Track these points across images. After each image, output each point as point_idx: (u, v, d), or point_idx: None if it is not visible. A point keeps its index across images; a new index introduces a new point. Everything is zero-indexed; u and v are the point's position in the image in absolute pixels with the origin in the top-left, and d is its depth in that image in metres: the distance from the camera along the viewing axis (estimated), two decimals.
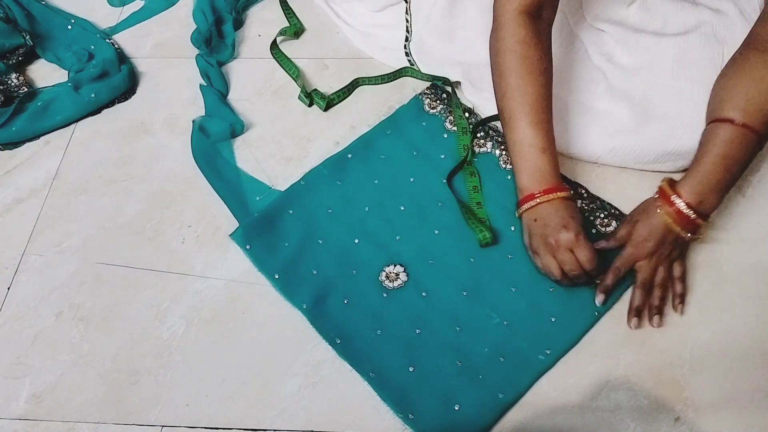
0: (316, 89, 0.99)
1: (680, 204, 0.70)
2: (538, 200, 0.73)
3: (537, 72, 0.74)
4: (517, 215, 0.77)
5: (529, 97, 0.74)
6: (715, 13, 0.85)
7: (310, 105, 0.98)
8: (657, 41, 0.87)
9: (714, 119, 0.71)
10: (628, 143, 0.83)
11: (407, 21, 1.00)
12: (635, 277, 0.74)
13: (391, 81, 1.00)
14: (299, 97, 0.99)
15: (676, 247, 0.74)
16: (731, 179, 0.70)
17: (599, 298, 0.74)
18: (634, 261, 0.73)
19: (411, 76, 1.00)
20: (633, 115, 0.84)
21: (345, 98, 0.99)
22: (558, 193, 0.73)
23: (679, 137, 0.81)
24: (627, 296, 0.76)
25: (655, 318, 0.73)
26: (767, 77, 0.68)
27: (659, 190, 0.73)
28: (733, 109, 0.69)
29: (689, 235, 0.72)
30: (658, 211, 0.71)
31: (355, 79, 1.00)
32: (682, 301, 0.74)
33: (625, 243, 0.74)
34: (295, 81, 1.01)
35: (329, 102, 0.97)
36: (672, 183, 0.72)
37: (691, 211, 0.70)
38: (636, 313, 0.73)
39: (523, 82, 0.74)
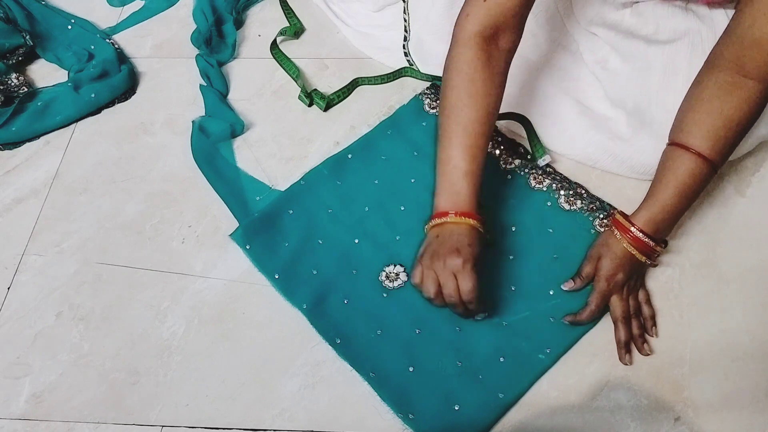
0: (316, 89, 0.99)
1: (637, 233, 0.72)
2: (447, 219, 0.71)
3: (478, 95, 0.73)
4: (425, 229, 0.75)
5: (464, 118, 0.73)
6: (703, 22, 0.84)
7: (310, 105, 0.98)
8: (646, 48, 0.86)
9: (676, 142, 0.72)
10: (626, 151, 0.84)
11: (405, 21, 1.00)
12: (610, 312, 0.74)
13: (390, 81, 1.00)
14: (299, 97, 0.99)
15: (639, 275, 0.76)
16: (684, 208, 0.73)
17: (568, 320, 0.75)
18: (608, 297, 0.74)
19: (411, 76, 1.00)
20: (629, 123, 0.84)
21: (345, 98, 0.99)
22: (469, 220, 0.71)
23: None
24: None
25: (645, 346, 0.73)
26: (725, 109, 0.69)
27: (614, 222, 0.74)
28: (691, 135, 0.70)
29: (649, 261, 0.74)
30: (619, 240, 0.73)
31: (354, 79, 1.00)
32: (654, 323, 0.75)
33: (593, 280, 0.75)
34: (295, 81, 1.01)
35: (329, 102, 0.97)
36: (625, 214, 0.74)
37: (649, 239, 0.72)
38: (627, 348, 0.73)
39: (461, 103, 0.73)
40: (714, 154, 0.70)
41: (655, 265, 0.78)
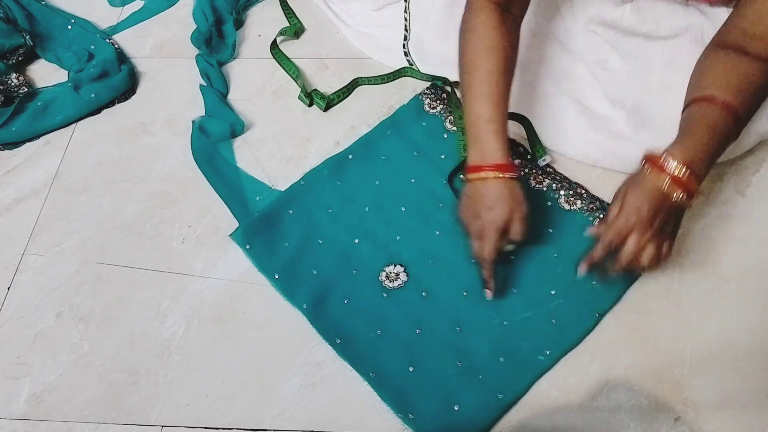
0: (315, 89, 0.99)
1: (673, 165, 0.65)
2: (481, 175, 0.72)
3: (495, 48, 0.75)
4: (463, 180, 0.76)
5: (483, 71, 0.75)
6: (705, 17, 0.84)
7: (310, 105, 0.98)
8: (646, 45, 0.87)
9: (695, 99, 0.69)
10: (625, 149, 0.84)
11: (405, 20, 1.00)
12: (621, 257, 0.67)
13: (390, 81, 1.00)
14: (299, 97, 0.99)
15: (671, 217, 0.67)
16: (716, 150, 0.67)
17: (581, 268, 0.69)
18: (627, 231, 0.65)
19: (411, 76, 1.00)
20: (629, 122, 0.84)
21: (345, 98, 0.99)
22: (498, 173, 0.72)
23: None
24: (627, 296, 0.77)
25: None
26: (741, 69, 0.69)
27: (647, 158, 0.67)
28: (713, 88, 0.68)
29: (684, 197, 0.65)
30: (650, 175, 0.66)
31: (354, 79, 1.00)
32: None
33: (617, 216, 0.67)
34: (295, 81, 1.01)
35: (329, 102, 0.97)
36: (657, 152, 0.67)
37: (686, 171, 0.64)
38: (591, 265, 0.68)
39: (478, 58, 0.75)
40: (738, 104, 0.66)
41: (689, 206, 0.68)
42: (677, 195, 0.65)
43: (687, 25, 0.85)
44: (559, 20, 0.92)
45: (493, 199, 0.72)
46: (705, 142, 0.66)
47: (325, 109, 0.97)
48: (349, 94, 0.99)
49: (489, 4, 0.76)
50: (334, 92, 0.98)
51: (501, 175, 0.72)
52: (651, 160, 0.67)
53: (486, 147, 0.73)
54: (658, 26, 0.87)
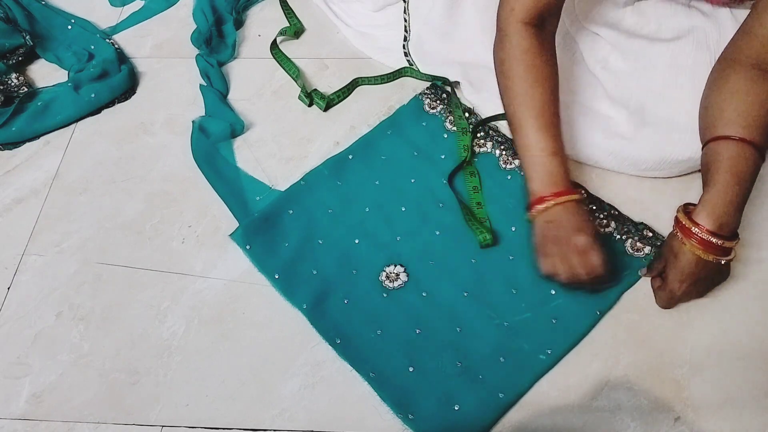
0: (315, 89, 0.99)
1: (702, 234, 0.67)
2: (552, 202, 0.73)
3: (542, 79, 0.75)
4: (528, 219, 0.76)
5: (536, 102, 0.75)
6: (708, 18, 0.85)
7: (309, 105, 0.98)
8: (649, 46, 0.87)
9: (710, 139, 0.70)
10: (626, 148, 0.84)
11: (405, 21, 1.00)
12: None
13: (390, 81, 1.00)
14: (299, 97, 0.99)
15: (715, 273, 0.72)
16: (744, 194, 0.68)
17: (642, 272, 0.77)
18: (675, 302, 0.74)
19: (411, 76, 1.00)
20: (630, 121, 0.84)
21: (345, 98, 0.99)
22: (571, 196, 0.73)
23: (675, 143, 0.81)
24: (626, 297, 0.77)
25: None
26: (758, 97, 0.68)
27: (677, 224, 0.70)
28: (728, 126, 0.68)
29: (722, 260, 0.69)
30: (684, 245, 0.69)
31: (354, 79, 1.00)
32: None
33: (663, 278, 0.73)
34: (295, 81, 1.01)
35: (329, 102, 0.97)
36: (688, 213, 0.69)
37: (715, 237, 0.67)
38: (654, 277, 0.75)
39: (530, 89, 0.75)
40: (759, 138, 0.67)
41: (731, 260, 0.70)
42: (714, 259, 0.68)
43: (689, 27, 0.85)
44: (560, 22, 0.92)
45: (575, 222, 0.73)
46: (731, 193, 0.67)
47: (325, 109, 0.97)
48: (349, 94, 0.99)
49: (526, 29, 0.75)
50: (334, 92, 0.98)
51: (572, 197, 0.73)
52: (681, 228, 0.69)
53: (555, 179, 0.74)
54: (660, 27, 0.87)
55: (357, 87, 1.00)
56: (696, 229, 0.67)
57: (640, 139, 0.83)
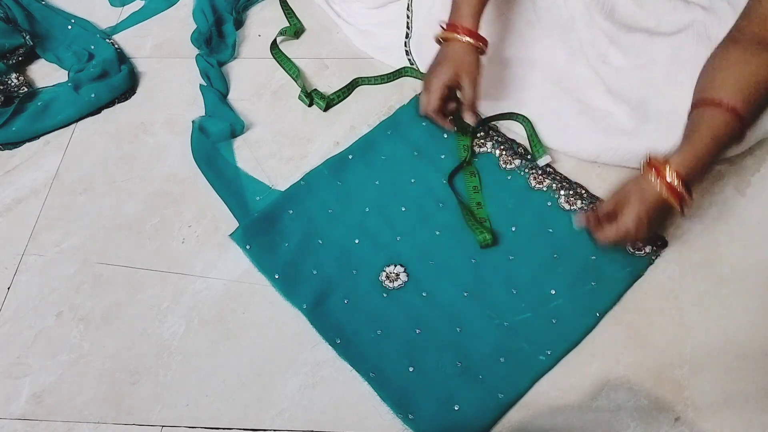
0: (316, 89, 0.99)
1: (672, 176, 0.69)
2: (446, 35, 0.82)
3: None
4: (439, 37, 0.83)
5: None
6: (707, 12, 0.84)
7: (310, 105, 0.98)
8: (650, 40, 0.87)
9: (702, 101, 0.70)
10: (628, 144, 0.84)
11: (408, 17, 1.00)
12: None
13: (390, 81, 1.00)
14: (299, 97, 0.99)
15: (663, 216, 0.73)
16: (714, 160, 0.71)
17: (578, 220, 0.79)
18: (627, 234, 0.72)
19: (411, 76, 1.00)
20: (632, 116, 0.84)
21: (345, 98, 0.99)
22: (456, 36, 0.81)
23: (677, 137, 0.81)
24: (626, 297, 0.77)
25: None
26: (753, 69, 0.69)
27: (651, 162, 0.71)
28: (722, 91, 0.69)
29: (680, 210, 0.71)
30: (652, 181, 0.70)
31: (354, 79, 1.00)
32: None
33: (617, 215, 0.73)
34: (295, 81, 1.01)
35: (329, 102, 0.97)
36: (659, 158, 0.71)
37: (683, 186, 0.69)
38: (590, 219, 0.76)
39: None
40: (745, 109, 0.68)
41: (682, 215, 0.73)
42: (673, 203, 0.70)
43: (689, 21, 0.85)
44: (558, 12, 0.91)
45: (446, 58, 0.82)
46: (707, 152, 0.69)
47: (325, 109, 0.97)
48: (349, 94, 0.99)
49: None
50: (334, 92, 0.98)
51: (462, 39, 0.81)
52: (654, 166, 0.70)
53: (461, 13, 0.80)
54: (659, 23, 0.87)
55: (357, 87, 1.00)
56: (669, 167, 0.69)
57: (642, 134, 0.83)
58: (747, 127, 0.70)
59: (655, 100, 0.83)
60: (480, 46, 0.82)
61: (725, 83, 0.69)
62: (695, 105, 0.71)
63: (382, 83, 1.00)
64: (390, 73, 1.00)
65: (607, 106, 0.87)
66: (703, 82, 0.73)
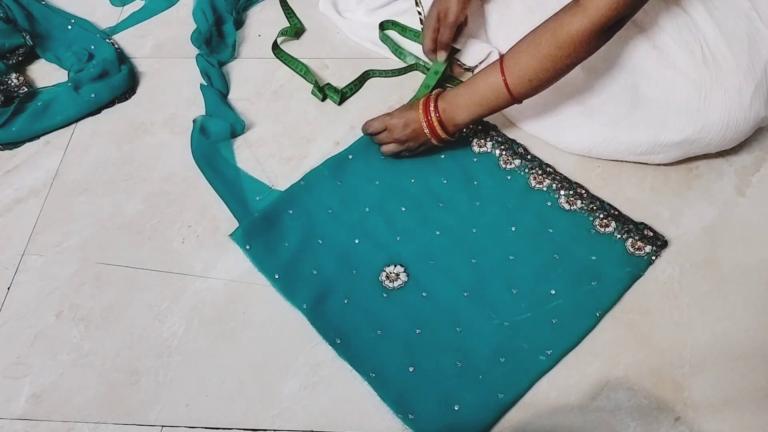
0: (329, 84, 0.99)
1: (432, 111, 0.82)
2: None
3: None
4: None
5: None
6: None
7: (323, 100, 0.98)
8: (637, 30, 0.86)
9: (501, 60, 0.78)
10: (621, 133, 0.84)
11: (420, 13, 1.00)
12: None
13: (401, 75, 1.00)
14: (312, 92, 0.99)
15: (417, 141, 0.86)
16: (479, 115, 0.82)
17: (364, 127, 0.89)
18: (384, 129, 0.86)
19: (421, 71, 1.00)
20: (621, 103, 0.84)
21: (357, 90, 0.99)
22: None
23: (670, 125, 0.81)
24: (626, 297, 0.77)
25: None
26: (544, 47, 0.74)
27: (424, 101, 0.84)
28: (511, 67, 0.77)
29: (433, 140, 0.85)
30: (420, 109, 0.83)
31: (365, 72, 1.00)
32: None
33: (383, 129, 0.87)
34: (305, 77, 1.01)
35: (343, 95, 0.97)
36: (436, 98, 0.83)
37: (440, 128, 0.83)
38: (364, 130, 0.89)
39: None
40: (516, 88, 0.78)
41: (434, 144, 0.86)
42: (427, 132, 0.84)
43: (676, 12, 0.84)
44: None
45: (434, 3, 0.90)
46: (471, 107, 0.81)
47: (340, 103, 0.97)
48: (361, 87, 0.99)
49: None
50: (346, 85, 0.99)
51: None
52: (426, 98, 0.84)
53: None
54: (648, 10, 0.86)
55: (368, 79, 1.00)
56: (435, 102, 0.83)
57: (634, 122, 0.83)
58: (519, 101, 0.80)
59: (647, 88, 0.83)
60: None
61: (519, 61, 0.77)
62: (499, 59, 0.79)
63: (393, 76, 1.00)
64: (401, 68, 1.00)
65: (597, 94, 0.86)
66: (514, 45, 0.78)
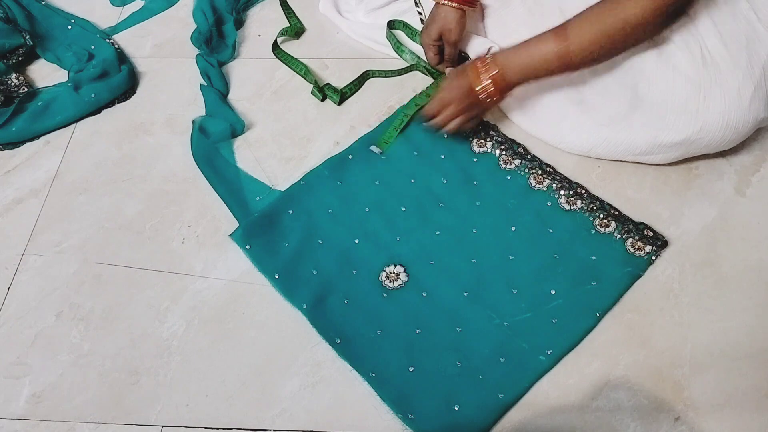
0: (328, 84, 0.99)
1: (487, 74, 0.81)
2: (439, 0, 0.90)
3: None
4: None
5: None
6: None
7: (323, 100, 0.98)
8: None
9: (562, 27, 0.78)
10: (620, 133, 0.84)
11: (420, 14, 1.00)
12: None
13: (401, 75, 1.00)
14: (312, 93, 0.99)
15: (476, 107, 0.85)
16: (531, 78, 0.82)
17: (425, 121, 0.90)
18: (444, 105, 0.86)
19: (421, 71, 1.00)
20: (621, 104, 0.84)
21: (356, 90, 0.99)
22: (452, 3, 0.89)
23: (670, 125, 0.81)
24: (626, 297, 0.77)
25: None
26: (609, 20, 0.74)
27: (477, 59, 0.84)
28: (574, 36, 0.76)
29: (488, 99, 0.83)
30: (470, 73, 0.83)
31: (365, 72, 1.00)
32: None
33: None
34: (305, 78, 1.01)
35: (343, 95, 0.97)
36: (490, 59, 0.82)
37: (493, 81, 0.81)
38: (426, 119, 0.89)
39: None
40: (576, 54, 0.77)
41: (491, 106, 0.87)
42: (483, 96, 0.83)
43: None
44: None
45: (433, 19, 0.92)
46: (529, 69, 0.81)
47: (339, 103, 0.97)
48: (360, 87, 0.99)
49: None
50: (346, 85, 0.99)
51: (446, 3, 0.89)
52: (475, 62, 0.83)
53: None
54: None
55: (368, 79, 1.00)
56: (489, 64, 0.81)
57: (634, 122, 0.83)
58: (576, 66, 0.79)
59: (647, 88, 0.83)
60: (466, 8, 0.90)
61: (581, 32, 0.76)
62: (560, 26, 0.78)
63: (392, 77, 1.00)
64: (401, 69, 1.00)
65: (597, 94, 0.86)
66: (578, 16, 0.77)
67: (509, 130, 0.92)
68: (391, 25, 1.02)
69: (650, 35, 0.77)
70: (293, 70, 1.02)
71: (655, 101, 0.82)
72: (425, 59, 0.99)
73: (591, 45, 0.76)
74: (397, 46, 1.01)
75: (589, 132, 0.85)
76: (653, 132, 0.81)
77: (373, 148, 0.91)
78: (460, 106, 0.85)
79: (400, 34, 1.03)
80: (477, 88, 0.82)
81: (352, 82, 0.99)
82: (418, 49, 1.00)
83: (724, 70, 0.78)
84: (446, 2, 0.90)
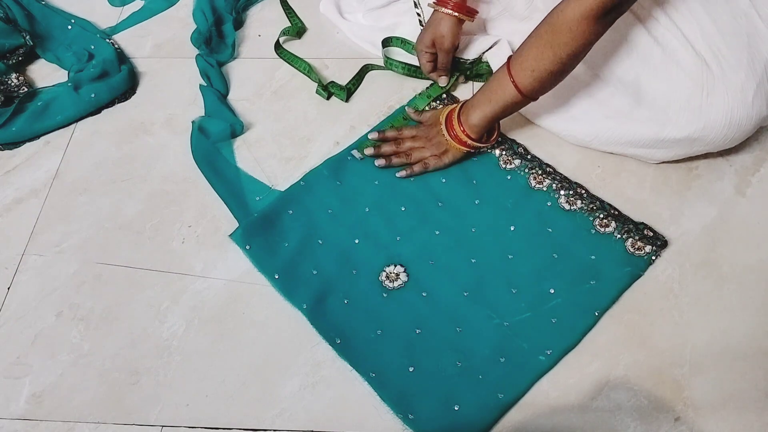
0: (333, 81, 0.99)
1: (461, 135, 0.85)
2: (435, 6, 0.90)
3: None
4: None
5: None
6: None
7: (328, 98, 0.98)
8: (640, 26, 0.86)
9: (508, 65, 0.79)
10: (623, 125, 0.84)
11: (419, 15, 1.00)
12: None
13: (401, 71, 1.00)
14: (317, 91, 0.99)
15: (444, 152, 0.87)
16: (492, 114, 0.82)
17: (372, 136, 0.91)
18: (409, 137, 0.89)
19: (418, 76, 1.00)
20: (627, 98, 0.84)
21: (359, 86, 0.99)
22: (449, 10, 0.89)
23: (672, 121, 0.81)
24: (626, 297, 0.77)
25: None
26: (542, 38, 0.75)
27: (449, 114, 0.86)
28: (515, 59, 0.78)
29: (464, 149, 0.86)
30: (442, 130, 0.86)
31: (365, 65, 1.00)
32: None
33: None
34: (309, 76, 1.01)
35: (348, 91, 0.98)
36: (460, 114, 0.85)
37: (469, 139, 0.85)
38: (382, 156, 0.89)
39: None
40: (527, 89, 0.78)
41: (457, 155, 0.88)
42: (451, 144, 0.86)
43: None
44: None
45: (429, 26, 0.92)
46: (489, 112, 0.82)
47: (347, 99, 0.98)
48: (362, 81, 1.00)
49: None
50: (349, 81, 0.99)
51: (443, 11, 0.89)
52: (449, 120, 0.86)
53: None
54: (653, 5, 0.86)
55: (368, 72, 1.01)
56: (460, 130, 0.85)
57: (639, 115, 0.83)
58: (528, 96, 0.79)
59: (649, 84, 0.83)
60: (464, 18, 0.90)
61: (520, 52, 0.78)
62: (506, 62, 0.80)
63: (392, 69, 1.00)
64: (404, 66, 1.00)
65: (604, 87, 0.86)
66: (518, 50, 0.79)
67: (509, 130, 0.92)
68: (387, 42, 1.01)
69: (587, 43, 0.74)
70: (297, 69, 1.02)
71: (658, 97, 0.82)
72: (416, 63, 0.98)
73: (530, 64, 0.76)
74: (389, 63, 1.00)
75: (594, 122, 0.85)
76: (657, 127, 0.81)
77: (355, 152, 0.90)
78: (429, 144, 0.87)
79: (397, 50, 1.02)
80: (443, 131, 0.86)
81: (354, 77, 0.99)
82: (413, 60, 0.99)
83: (727, 68, 0.78)
84: (441, 9, 0.89)
